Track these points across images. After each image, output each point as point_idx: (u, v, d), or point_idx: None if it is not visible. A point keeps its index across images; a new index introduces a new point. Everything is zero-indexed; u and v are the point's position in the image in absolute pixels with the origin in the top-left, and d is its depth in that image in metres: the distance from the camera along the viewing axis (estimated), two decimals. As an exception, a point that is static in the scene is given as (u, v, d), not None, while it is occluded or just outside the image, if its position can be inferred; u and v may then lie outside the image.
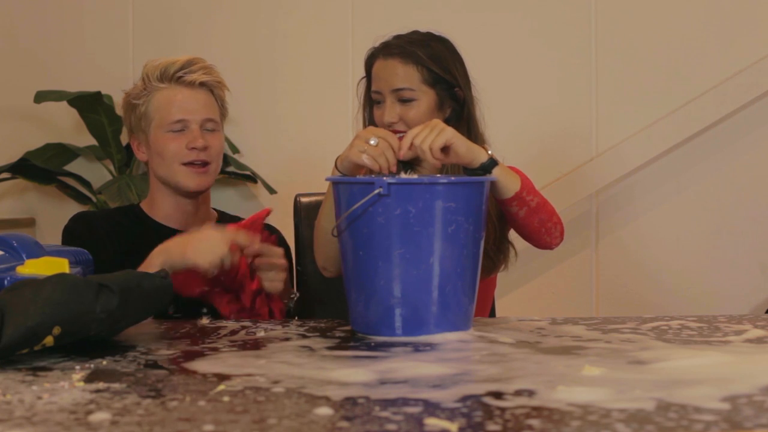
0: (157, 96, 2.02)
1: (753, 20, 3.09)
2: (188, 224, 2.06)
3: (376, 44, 2.00)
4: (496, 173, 1.71)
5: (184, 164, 2.01)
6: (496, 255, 1.95)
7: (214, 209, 2.16)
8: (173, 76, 2.02)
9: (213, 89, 2.06)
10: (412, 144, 1.68)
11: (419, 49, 1.94)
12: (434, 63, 1.94)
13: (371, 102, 2.00)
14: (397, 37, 1.98)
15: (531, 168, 3.11)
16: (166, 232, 2.02)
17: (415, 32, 1.99)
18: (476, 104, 2.00)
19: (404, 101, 1.92)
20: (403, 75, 1.93)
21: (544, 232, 1.86)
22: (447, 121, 1.97)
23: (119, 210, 2.14)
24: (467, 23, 3.17)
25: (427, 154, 1.68)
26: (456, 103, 1.98)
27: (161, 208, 2.07)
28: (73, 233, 2.03)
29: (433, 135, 1.67)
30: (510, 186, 1.76)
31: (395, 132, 1.86)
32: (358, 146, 1.71)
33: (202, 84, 2.03)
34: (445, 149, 1.68)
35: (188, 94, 2.02)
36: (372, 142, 1.70)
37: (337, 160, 1.78)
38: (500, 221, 1.93)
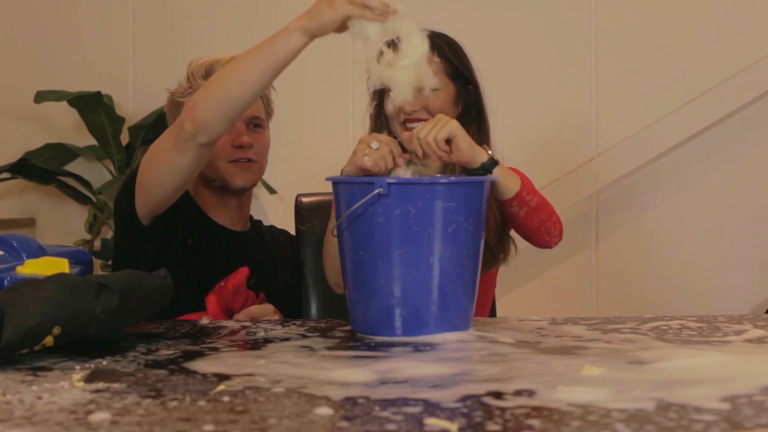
0: None
1: (753, 20, 3.09)
2: (233, 222, 2.06)
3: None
4: (496, 173, 1.71)
5: (230, 162, 2.00)
6: (497, 248, 1.95)
7: None
8: None
9: None
10: (419, 142, 1.68)
11: (441, 41, 1.94)
12: (455, 56, 1.94)
13: (380, 93, 1.94)
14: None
15: (531, 168, 3.11)
16: (210, 224, 2.02)
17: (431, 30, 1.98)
18: (486, 105, 1.99)
19: None
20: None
21: (544, 231, 1.86)
22: (459, 117, 1.93)
23: None
24: (467, 22, 3.17)
25: (432, 146, 1.68)
26: (469, 99, 1.97)
27: (206, 203, 2.05)
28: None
29: (437, 128, 1.68)
30: (510, 186, 1.76)
31: (417, 120, 1.86)
32: (361, 150, 1.71)
33: None
34: (448, 143, 1.69)
35: None
36: (374, 146, 1.70)
37: (343, 169, 1.78)
38: (502, 214, 1.93)
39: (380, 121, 1.98)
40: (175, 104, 2.04)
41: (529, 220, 1.83)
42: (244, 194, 2.06)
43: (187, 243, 1.94)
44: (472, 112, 1.97)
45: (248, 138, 2.00)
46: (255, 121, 2.04)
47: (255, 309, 1.92)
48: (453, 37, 2.00)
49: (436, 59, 1.91)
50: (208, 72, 2.00)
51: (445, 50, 1.93)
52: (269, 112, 2.10)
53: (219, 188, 2.03)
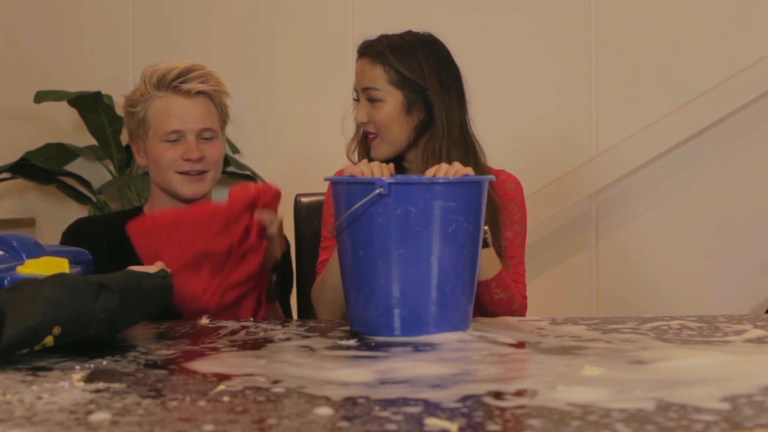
0: (154, 104, 2.00)
1: (753, 20, 3.09)
2: None
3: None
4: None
5: (180, 173, 2.00)
6: None
7: None
8: (170, 84, 1.99)
9: (212, 97, 2.03)
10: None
11: (390, 49, 1.91)
12: (402, 64, 1.90)
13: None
14: (380, 37, 1.96)
15: (531, 168, 3.12)
16: None
17: (408, 32, 1.96)
18: (467, 109, 1.95)
19: (372, 101, 1.92)
20: (370, 75, 1.91)
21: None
22: (417, 125, 1.92)
23: (122, 214, 2.12)
24: (467, 23, 3.17)
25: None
26: (429, 106, 1.92)
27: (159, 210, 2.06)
28: (69, 242, 2.03)
29: (453, 170, 1.65)
30: (484, 272, 1.78)
31: (367, 133, 1.93)
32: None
33: (199, 93, 2.00)
34: None
35: (184, 104, 1.99)
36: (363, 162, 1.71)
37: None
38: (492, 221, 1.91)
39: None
40: (128, 112, 2.04)
41: (486, 306, 1.85)
42: (196, 202, 2.04)
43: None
44: (431, 118, 1.92)
45: (198, 152, 1.99)
46: (205, 134, 2.01)
47: (266, 214, 1.89)
48: (437, 39, 1.96)
49: (378, 69, 1.91)
50: (159, 82, 1.99)
51: (390, 59, 1.90)
52: (224, 120, 2.08)
53: (172, 197, 2.03)
